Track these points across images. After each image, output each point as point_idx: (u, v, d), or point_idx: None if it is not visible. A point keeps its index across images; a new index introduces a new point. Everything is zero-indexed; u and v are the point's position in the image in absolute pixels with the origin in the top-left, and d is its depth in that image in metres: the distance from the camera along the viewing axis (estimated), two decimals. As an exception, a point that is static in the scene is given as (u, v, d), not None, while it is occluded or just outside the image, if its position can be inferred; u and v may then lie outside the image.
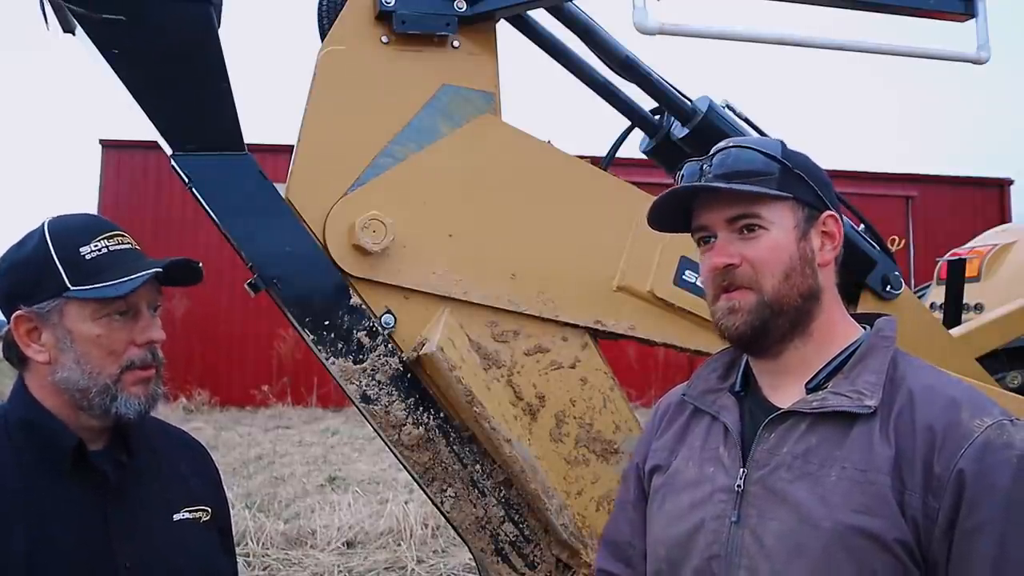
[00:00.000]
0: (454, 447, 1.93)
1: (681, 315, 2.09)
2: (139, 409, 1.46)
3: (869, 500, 1.24)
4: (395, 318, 1.90)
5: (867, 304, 2.27)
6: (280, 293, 1.82)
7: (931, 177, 19.15)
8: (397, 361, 1.89)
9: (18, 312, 1.43)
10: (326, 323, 1.84)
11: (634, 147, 2.45)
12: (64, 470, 1.42)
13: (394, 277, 1.90)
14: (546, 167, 2.04)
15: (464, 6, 1.93)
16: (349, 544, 6.28)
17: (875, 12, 2.28)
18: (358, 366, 1.86)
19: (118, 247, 1.48)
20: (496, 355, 1.97)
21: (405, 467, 1.99)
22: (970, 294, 3.86)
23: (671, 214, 1.47)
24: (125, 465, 1.50)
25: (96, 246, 1.45)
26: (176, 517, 1.55)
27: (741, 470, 1.36)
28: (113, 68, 1.69)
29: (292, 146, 1.91)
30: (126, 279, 1.41)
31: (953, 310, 3.15)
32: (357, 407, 1.92)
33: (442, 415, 1.92)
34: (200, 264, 1.54)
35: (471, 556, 2.22)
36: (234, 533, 1.79)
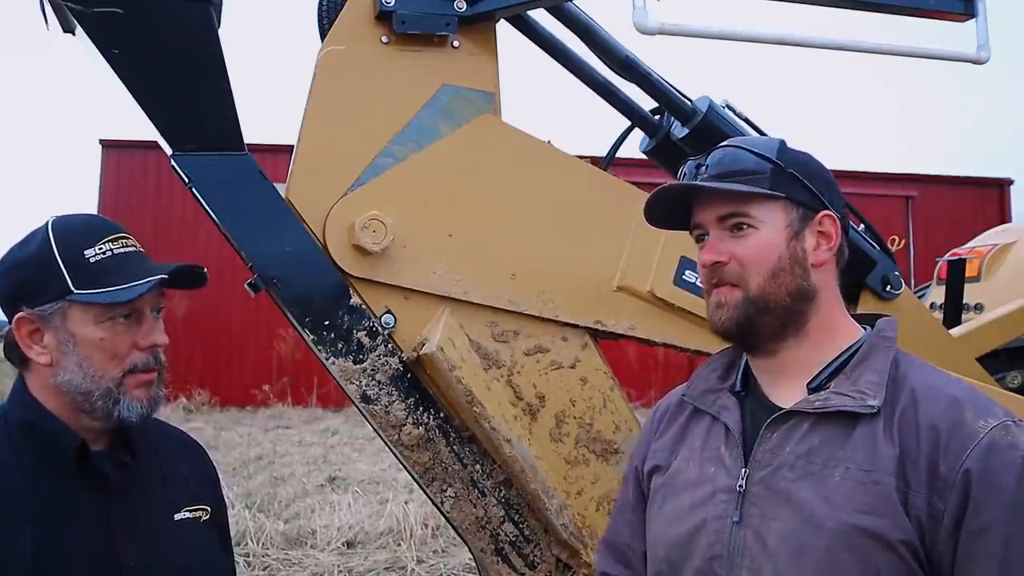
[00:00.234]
0: (454, 447, 1.93)
1: (681, 315, 2.09)
2: (141, 412, 1.45)
3: (873, 500, 1.24)
4: (395, 318, 1.90)
5: (867, 304, 2.26)
6: (280, 293, 1.82)
7: (931, 177, 19.15)
8: (397, 361, 1.89)
9: (20, 314, 1.43)
10: (326, 323, 1.84)
11: (634, 147, 2.45)
12: (66, 471, 1.42)
13: (394, 277, 1.90)
14: (546, 167, 2.04)
15: (464, 6, 1.93)
16: (349, 544, 6.28)
17: (875, 12, 2.28)
18: (358, 366, 1.86)
19: (123, 250, 1.47)
20: (496, 355, 1.97)
21: (405, 467, 1.98)
22: (970, 294, 3.86)
23: (671, 211, 1.49)
24: (127, 466, 1.49)
25: (100, 249, 1.44)
26: (177, 517, 1.55)
27: (743, 470, 1.36)
28: (113, 68, 1.69)
29: (292, 146, 1.91)
30: (131, 285, 1.40)
31: (953, 310, 3.15)
32: (357, 407, 1.92)
33: (442, 415, 1.92)
34: (204, 269, 1.53)
35: (471, 556, 2.22)
36: (234, 533, 1.79)
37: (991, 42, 2.26)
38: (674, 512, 1.44)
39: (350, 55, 1.91)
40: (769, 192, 1.38)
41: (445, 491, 1.95)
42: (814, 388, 1.37)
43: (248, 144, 1.81)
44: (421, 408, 1.90)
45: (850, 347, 1.40)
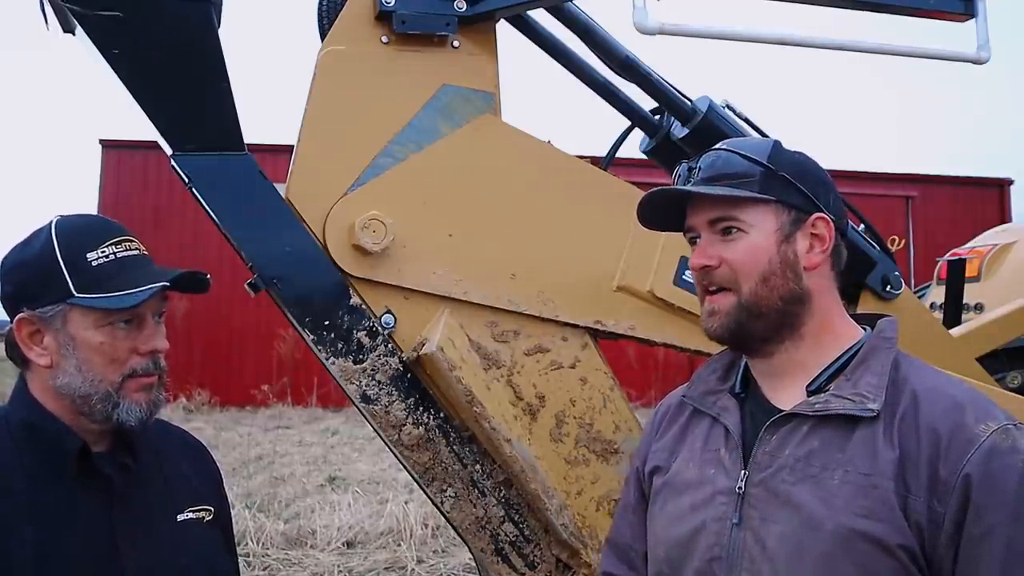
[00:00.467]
0: (454, 447, 1.93)
1: (681, 315, 2.09)
2: (141, 416, 1.45)
3: (872, 504, 1.23)
4: (395, 318, 1.90)
5: (867, 304, 2.26)
6: (280, 293, 1.82)
7: (931, 177, 19.16)
8: (397, 361, 1.89)
9: (21, 315, 1.42)
10: (326, 323, 1.84)
11: (634, 147, 2.45)
12: (68, 473, 1.41)
13: (394, 277, 1.90)
14: (546, 167, 2.04)
15: (464, 6, 1.93)
16: (349, 544, 6.28)
17: (875, 12, 2.28)
18: (358, 366, 1.86)
19: (126, 253, 1.46)
20: (496, 355, 1.97)
21: (405, 467, 1.98)
22: (970, 294, 3.86)
23: (667, 213, 1.49)
24: (129, 468, 1.49)
25: (103, 252, 1.43)
26: (180, 518, 1.54)
27: (742, 472, 1.36)
28: (113, 68, 1.69)
29: (292, 146, 1.91)
30: (133, 291, 1.39)
31: (953, 310, 3.14)
32: (357, 407, 1.91)
33: (442, 415, 1.92)
34: (208, 276, 1.53)
35: (471, 556, 2.22)
36: (234, 533, 1.79)
37: (991, 42, 2.26)
38: (674, 513, 1.44)
39: (350, 55, 1.91)
40: (758, 196, 1.38)
41: (445, 491, 1.95)
42: (813, 390, 1.37)
43: (248, 144, 1.81)
44: (421, 408, 1.90)
45: (850, 348, 1.40)
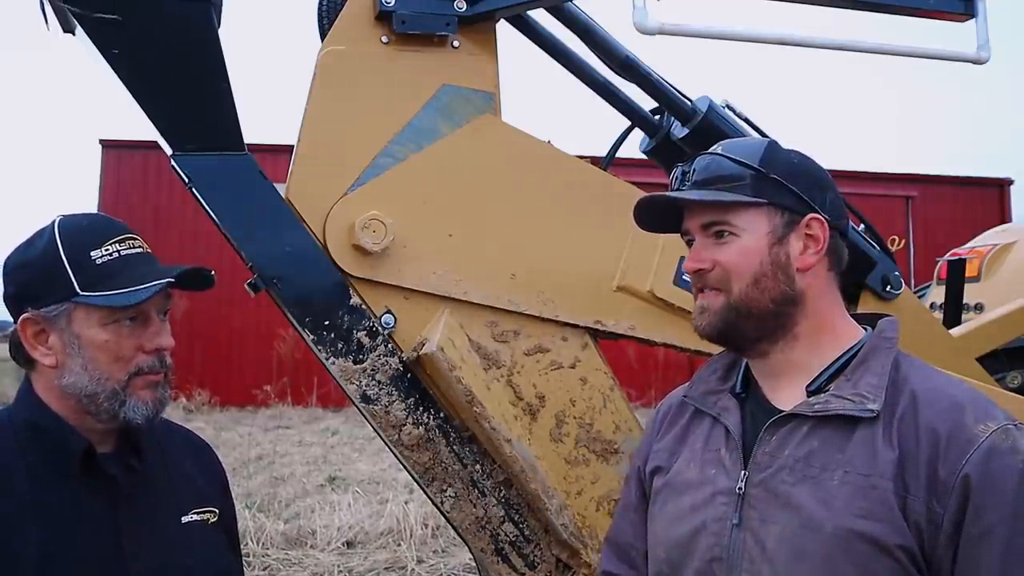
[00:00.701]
0: (454, 447, 1.93)
1: (681, 315, 2.09)
2: (147, 414, 1.45)
3: (871, 504, 1.23)
4: (395, 318, 1.90)
5: (867, 304, 2.26)
6: (280, 293, 1.82)
7: (931, 177, 19.17)
8: (397, 361, 1.89)
9: (25, 315, 1.42)
10: (326, 323, 1.84)
11: (634, 147, 2.45)
12: (72, 473, 1.41)
13: (394, 277, 1.90)
14: (546, 167, 2.04)
15: (464, 6, 1.93)
16: (349, 544, 6.28)
17: (875, 12, 2.27)
18: (358, 366, 1.86)
19: (129, 251, 1.45)
20: (496, 355, 1.97)
21: (405, 467, 1.98)
22: (970, 294, 3.86)
23: (664, 216, 1.51)
24: (134, 468, 1.48)
25: (107, 250, 1.43)
26: (185, 519, 1.54)
27: (742, 472, 1.36)
28: (113, 68, 1.69)
29: (292, 146, 1.91)
30: (137, 288, 1.39)
31: (953, 310, 3.14)
32: (357, 407, 1.91)
33: (442, 415, 1.92)
34: (212, 272, 1.52)
35: (471, 556, 2.22)
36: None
37: (991, 42, 2.26)
38: (675, 513, 1.44)
39: (350, 55, 1.91)
40: (749, 199, 1.38)
41: (445, 491, 1.95)
42: (813, 390, 1.37)
43: (248, 144, 1.81)
44: (421, 408, 1.90)
45: (850, 348, 1.39)
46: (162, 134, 1.74)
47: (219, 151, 1.77)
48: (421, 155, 1.93)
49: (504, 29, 2.07)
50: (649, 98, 2.27)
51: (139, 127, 1.83)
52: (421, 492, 2.48)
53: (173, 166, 1.77)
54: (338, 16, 1.92)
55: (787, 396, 1.40)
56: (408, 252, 1.90)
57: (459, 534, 2.02)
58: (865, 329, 1.44)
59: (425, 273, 1.91)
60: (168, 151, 1.76)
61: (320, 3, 2.00)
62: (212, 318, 14.93)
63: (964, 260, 4.05)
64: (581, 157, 2.13)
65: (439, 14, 1.92)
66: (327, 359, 1.84)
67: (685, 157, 1.68)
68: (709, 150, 1.47)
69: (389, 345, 1.88)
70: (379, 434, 1.97)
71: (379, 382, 1.87)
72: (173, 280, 1.42)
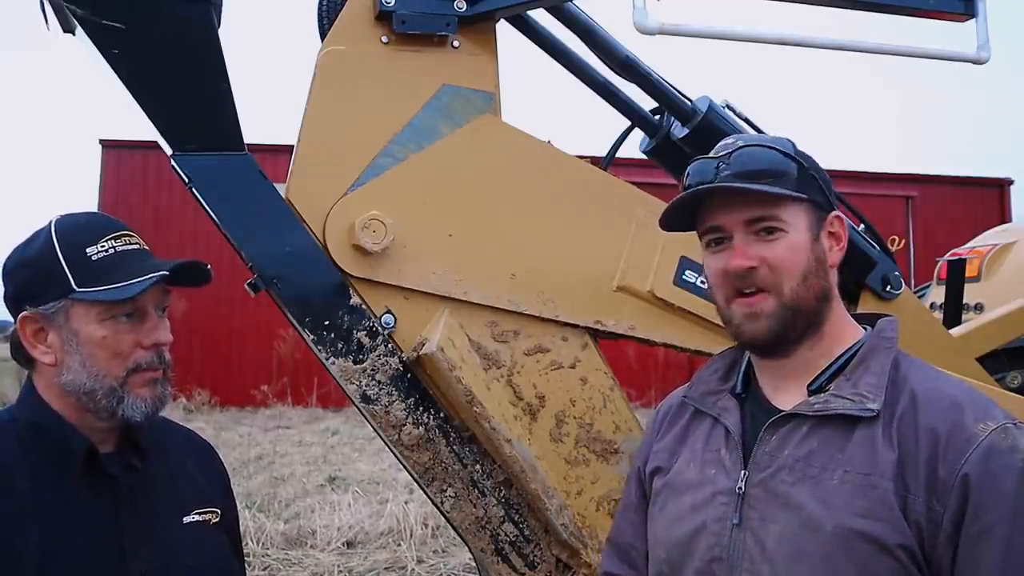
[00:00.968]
0: (454, 447, 1.93)
1: (681, 315, 2.09)
2: (146, 411, 1.45)
3: (871, 504, 1.23)
4: (395, 318, 1.90)
5: (867, 304, 2.26)
6: (280, 293, 1.82)
7: (931, 177, 19.18)
8: (397, 361, 1.89)
9: (24, 313, 1.42)
10: (326, 323, 1.84)
11: (634, 147, 2.45)
12: (74, 473, 1.41)
13: (394, 277, 1.90)
14: (546, 167, 2.04)
15: (464, 6, 1.93)
16: (349, 544, 6.28)
17: (875, 12, 2.27)
18: (358, 366, 1.86)
19: (125, 247, 1.46)
20: (496, 355, 1.97)
21: (405, 467, 1.98)
22: (970, 294, 3.86)
23: (679, 214, 1.45)
24: (136, 468, 1.48)
25: (103, 246, 1.43)
26: (186, 519, 1.54)
27: (742, 472, 1.36)
28: (113, 68, 1.69)
29: (292, 146, 1.91)
30: (132, 282, 1.39)
31: (953, 310, 3.14)
32: (357, 407, 1.91)
33: (442, 415, 1.92)
34: (209, 266, 1.52)
35: (471, 556, 2.22)
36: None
37: (991, 42, 2.26)
38: (675, 513, 1.44)
39: (350, 55, 1.91)
40: (797, 194, 1.35)
41: (445, 491, 1.95)
42: (814, 390, 1.37)
43: (248, 144, 1.81)
44: (421, 408, 1.90)
45: (850, 348, 1.39)
46: (162, 134, 1.74)
47: (219, 151, 1.77)
48: (421, 155, 1.93)
49: (504, 29, 2.07)
50: (649, 98, 2.27)
51: (139, 127, 1.83)
52: (421, 492, 2.48)
53: (173, 166, 1.77)
54: (338, 16, 1.92)
55: (787, 396, 1.39)
56: (408, 252, 1.90)
57: (459, 534, 2.02)
58: (865, 329, 1.44)
59: (425, 273, 1.91)
60: (168, 151, 1.76)
61: (320, 3, 2.00)
62: (212, 318, 14.93)
63: (964, 260, 4.05)
64: (581, 157, 2.13)
65: (439, 14, 1.92)
66: (327, 359, 1.84)
67: (685, 157, 1.68)
68: (738, 143, 1.40)
69: (389, 345, 1.88)
70: (379, 434, 1.97)
71: (379, 382, 1.87)
72: (168, 273, 1.42)
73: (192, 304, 13.67)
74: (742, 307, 1.36)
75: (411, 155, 1.93)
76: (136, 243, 1.49)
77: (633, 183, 2.09)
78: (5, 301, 1.48)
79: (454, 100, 1.97)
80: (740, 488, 1.35)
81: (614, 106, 2.32)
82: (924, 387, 1.31)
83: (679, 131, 2.27)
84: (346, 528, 6.45)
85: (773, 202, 1.34)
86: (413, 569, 5.76)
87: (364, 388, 1.86)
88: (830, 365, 1.38)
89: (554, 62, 2.21)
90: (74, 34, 1.77)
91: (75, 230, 1.45)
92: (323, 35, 1.95)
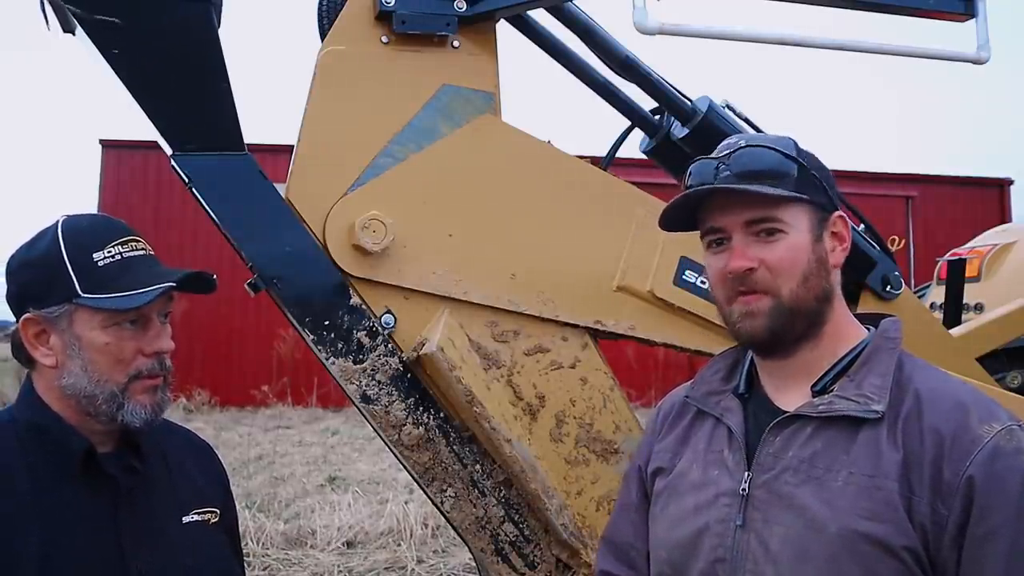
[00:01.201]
0: (454, 447, 1.93)
1: (681, 315, 2.09)
2: (146, 418, 1.45)
3: (876, 506, 1.23)
4: (395, 318, 1.90)
5: (867, 304, 2.26)
6: (280, 293, 1.82)
7: (931, 177, 19.17)
8: (397, 361, 1.89)
9: (27, 315, 1.42)
10: (326, 323, 1.84)
11: (634, 147, 2.45)
12: (73, 474, 1.41)
13: (394, 277, 1.89)
14: (546, 167, 2.04)
15: (464, 6, 1.93)
16: (349, 544, 6.28)
17: (875, 12, 2.27)
18: (358, 366, 1.86)
19: (132, 253, 1.45)
20: (496, 355, 1.97)
21: (405, 467, 1.98)
22: (970, 294, 3.86)
23: (680, 214, 1.45)
24: (135, 469, 1.48)
25: (110, 252, 1.42)
26: (185, 519, 1.54)
27: (746, 473, 1.35)
28: (113, 68, 1.69)
29: (292, 146, 1.91)
30: (139, 292, 1.39)
31: (953, 310, 3.15)
32: (357, 407, 1.91)
33: (442, 415, 1.92)
34: (215, 276, 1.52)
35: (471, 556, 2.22)
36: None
37: (991, 42, 2.26)
38: (677, 514, 1.43)
39: (350, 55, 1.91)
40: (798, 195, 1.34)
41: (445, 491, 1.95)
42: (818, 391, 1.36)
43: (248, 144, 1.81)
44: (421, 408, 1.90)
45: (853, 348, 1.39)
46: (162, 134, 1.74)
47: (219, 151, 1.77)
48: (421, 155, 1.93)
49: (504, 29, 2.07)
50: (649, 98, 2.27)
51: (139, 127, 1.82)
52: (421, 492, 2.48)
53: (173, 166, 1.77)
54: (338, 16, 1.92)
55: (791, 396, 1.39)
56: (408, 252, 1.90)
57: (459, 534, 2.02)
58: (868, 329, 1.44)
59: (425, 273, 1.91)
60: (168, 151, 1.76)
61: (320, 3, 2.00)
62: (212, 318, 14.93)
63: (964, 260, 4.05)
64: (581, 157, 2.13)
65: (439, 14, 1.92)
66: (327, 359, 1.84)
67: (685, 157, 1.67)
68: (738, 143, 1.40)
69: (389, 345, 1.88)
70: (379, 434, 1.97)
71: (379, 382, 1.87)
72: (175, 284, 1.42)
73: (192, 304, 13.65)
74: (740, 305, 1.36)
75: (411, 155, 1.93)
76: (143, 249, 1.48)
77: (633, 183, 2.09)
78: (8, 300, 1.47)
79: (454, 100, 1.97)
80: (744, 489, 1.34)
81: (614, 106, 2.32)
82: (928, 388, 1.30)
83: (679, 131, 2.27)
84: (346, 528, 6.45)
85: (773, 203, 1.34)
86: (413, 569, 5.76)
87: (364, 388, 1.86)
88: (833, 366, 1.38)
89: (554, 62, 2.21)
90: (74, 34, 1.77)
91: (81, 233, 1.44)
92: (323, 35, 1.95)
